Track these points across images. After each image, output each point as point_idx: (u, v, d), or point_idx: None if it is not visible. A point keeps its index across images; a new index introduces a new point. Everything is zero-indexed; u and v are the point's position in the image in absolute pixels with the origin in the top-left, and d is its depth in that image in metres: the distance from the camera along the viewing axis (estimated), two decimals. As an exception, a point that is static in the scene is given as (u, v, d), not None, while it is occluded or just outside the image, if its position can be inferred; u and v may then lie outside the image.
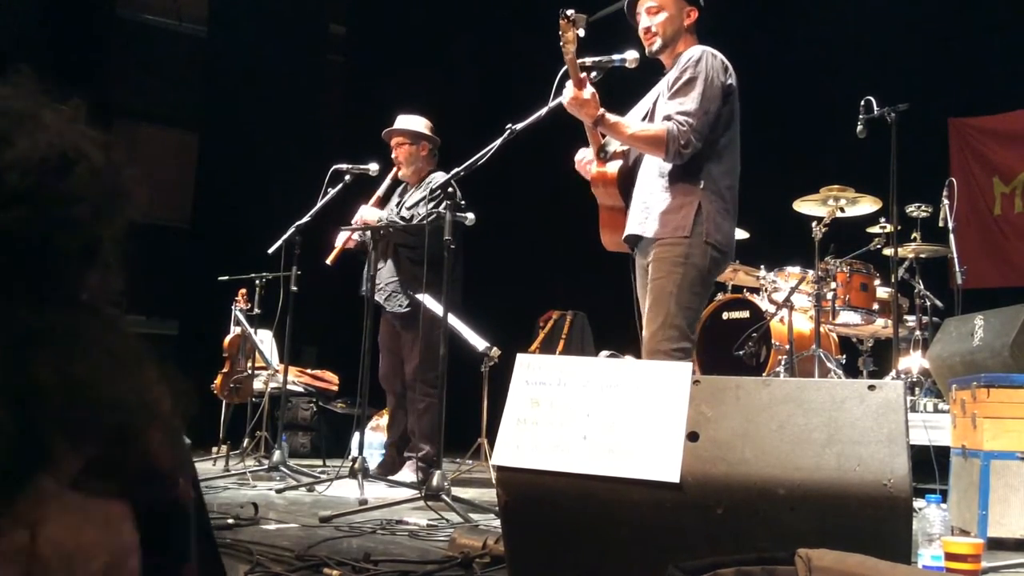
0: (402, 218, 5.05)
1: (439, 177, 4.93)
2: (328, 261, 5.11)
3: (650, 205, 3.46)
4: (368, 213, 5.14)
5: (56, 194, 0.84)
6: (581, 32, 3.31)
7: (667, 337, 3.29)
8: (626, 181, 3.65)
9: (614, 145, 3.66)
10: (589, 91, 3.41)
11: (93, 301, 0.89)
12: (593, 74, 3.44)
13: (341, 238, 5.13)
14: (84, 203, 0.85)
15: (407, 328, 5.16)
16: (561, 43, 3.31)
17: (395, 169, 5.26)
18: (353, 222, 5.15)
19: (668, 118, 3.37)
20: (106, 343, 0.85)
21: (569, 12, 3.28)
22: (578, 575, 2.09)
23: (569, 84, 3.41)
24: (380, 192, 5.23)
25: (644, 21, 3.60)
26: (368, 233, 5.09)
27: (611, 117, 3.43)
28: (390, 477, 4.85)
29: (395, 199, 5.37)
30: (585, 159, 3.71)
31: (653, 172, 3.49)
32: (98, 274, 0.89)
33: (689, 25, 3.60)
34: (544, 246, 8.47)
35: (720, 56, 3.49)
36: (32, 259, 0.83)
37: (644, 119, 3.60)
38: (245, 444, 5.96)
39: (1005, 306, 3.84)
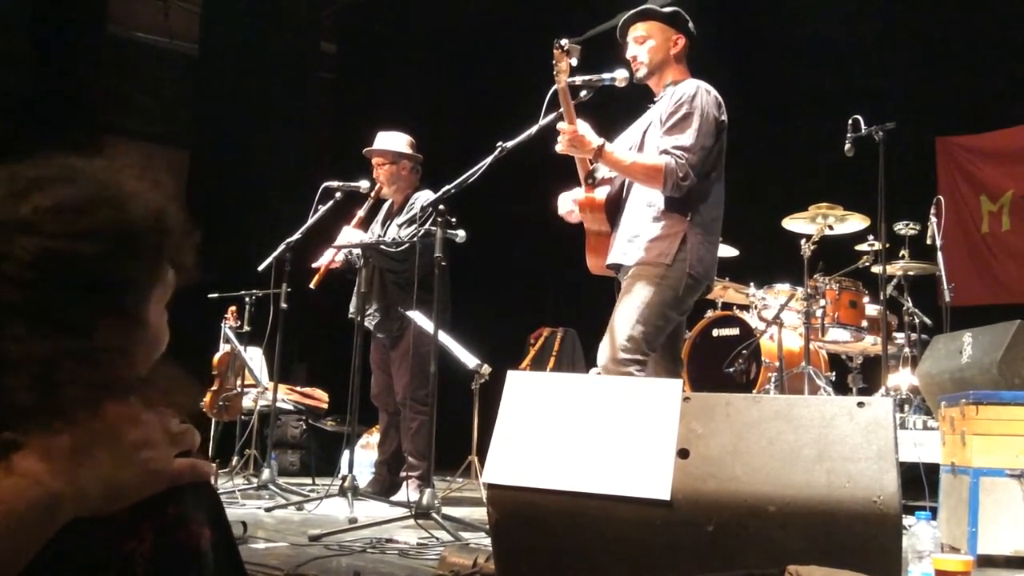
0: (387, 244, 5.04)
1: (424, 196, 4.92)
2: (312, 285, 5.08)
3: (636, 234, 3.49)
4: (352, 236, 5.11)
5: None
6: (574, 61, 3.34)
7: (624, 348, 3.31)
8: (613, 207, 3.67)
9: (603, 171, 3.69)
10: (583, 125, 3.43)
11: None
12: (583, 93, 3.46)
13: (322, 259, 5.11)
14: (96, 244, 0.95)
15: (397, 347, 5.16)
16: (554, 72, 3.34)
17: (377, 187, 5.24)
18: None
19: (665, 152, 3.39)
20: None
21: (563, 42, 3.30)
22: (569, 593, 2.08)
23: (562, 124, 3.43)
24: (362, 212, 5.19)
25: (631, 49, 3.65)
26: (353, 251, 5.08)
27: (609, 148, 3.45)
28: (391, 498, 4.82)
29: (380, 218, 5.36)
30: (568, 210, 3.74)
31: (641, 202, 3.52)
32: (115, 320, 0.97)
33: (676, 53, 3.64)
34: (535, 263, 8.48)
35: (714, 92, 3.52)
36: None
37: (632, 148, 3.62)
38: (234, 462, 5.93)
39: (993, 323, 3.86)
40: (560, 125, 3.44)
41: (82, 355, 0.90)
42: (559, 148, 3.48)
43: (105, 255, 0.94)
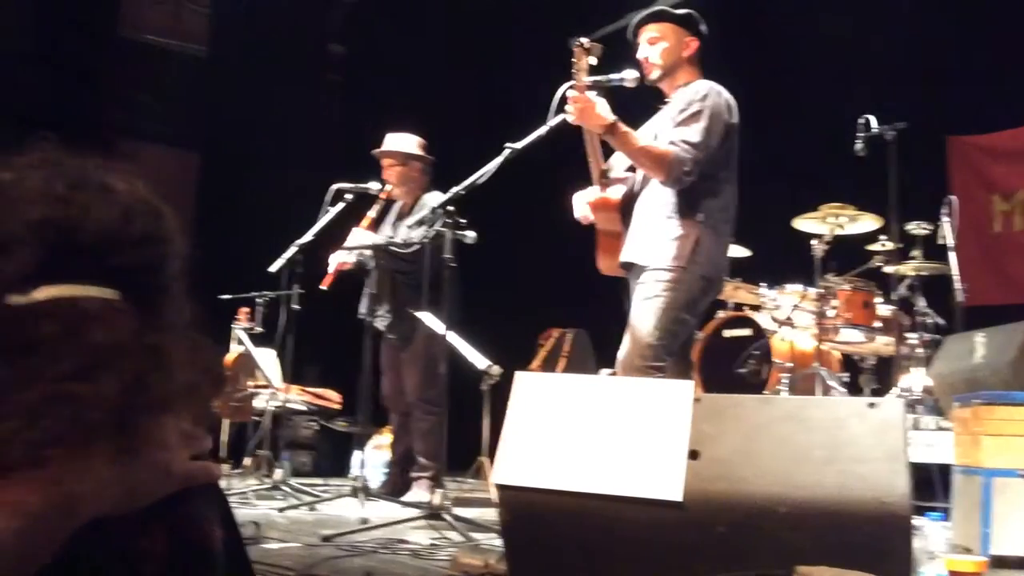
0: (397, 245, 5.05)
1: (434, 197, 4.93)
2: (323, 286, 5.10)
3: (649, 234, 3.49)
4: (362, 238, 5.13)
5: (166, 234, 0.98)
6: (594, 61, 3.34)
7: (642, 355, 3.32)
8: (626, 207, 3.67)
9: (616, 171, 3.69)
10: (601, 101, 3.42)
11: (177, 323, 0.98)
12: (592, 94, 3.46)
13: (334, 261, 5.12)
14: (178, 242, 0.99)
15: (407, 348, 5.17)
16: (573, 71, 3.34)
17: (388, 188, 5.25)
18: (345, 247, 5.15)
19: (672, 143, 3.39)
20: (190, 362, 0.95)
21: (584, 40, 3.31)
22: (579, 594, 2.09)
23: (572, 92, 3.40)
24: (372, 214, 5.20)
25: (643, 50, 3.64)
26: (366, 252, 5.09)
27: (622, 126, 3.44)
28: (402, 498, 4.83)
29: (390, 219, 5.37)
30: (583, 214, 3.75)
31: (654, 202, 3.52)
32: (177, 302, 1.00)
33: (689, 56, 3.63)
34: (545, 263, 8.46)
35: (726, 94, 3.52)
36: (150, 289, 0.95)
37: None
38: (247, 463, 5.95)
39: (1006, 323, 3.84)
40: (570, 93, 3.42)
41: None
42: (569, 118, 3.46)
43: (183, 249, 0.99)
